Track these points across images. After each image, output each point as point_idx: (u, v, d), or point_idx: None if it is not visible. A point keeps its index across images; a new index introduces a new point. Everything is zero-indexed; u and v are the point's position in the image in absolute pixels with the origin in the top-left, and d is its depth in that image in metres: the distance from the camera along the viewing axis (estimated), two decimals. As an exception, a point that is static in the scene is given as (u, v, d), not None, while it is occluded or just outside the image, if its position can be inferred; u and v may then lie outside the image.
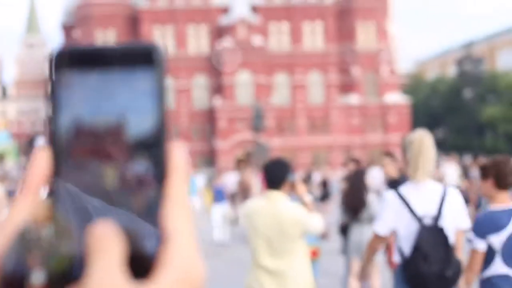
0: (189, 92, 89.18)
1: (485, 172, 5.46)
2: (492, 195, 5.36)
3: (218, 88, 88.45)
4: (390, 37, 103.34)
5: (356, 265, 8.78)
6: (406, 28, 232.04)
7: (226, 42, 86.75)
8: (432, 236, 5.06)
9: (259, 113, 76.97)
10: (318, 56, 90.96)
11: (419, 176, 5.31)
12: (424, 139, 5.36)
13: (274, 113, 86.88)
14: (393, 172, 9.91)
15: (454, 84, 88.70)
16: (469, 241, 5.31)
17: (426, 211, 5.21)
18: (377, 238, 5.59)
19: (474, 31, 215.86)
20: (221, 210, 20.87)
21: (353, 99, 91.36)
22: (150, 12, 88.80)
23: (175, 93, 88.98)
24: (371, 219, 8.75)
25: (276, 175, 5.94)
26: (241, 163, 29.88)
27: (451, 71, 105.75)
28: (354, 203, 9.44)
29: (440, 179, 36.70)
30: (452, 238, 5.13)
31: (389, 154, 10.51)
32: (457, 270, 5.06)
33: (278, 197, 5.91)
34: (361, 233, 9.08)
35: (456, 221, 5.23)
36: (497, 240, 5.13)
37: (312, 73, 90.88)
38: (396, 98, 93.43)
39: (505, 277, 5.12)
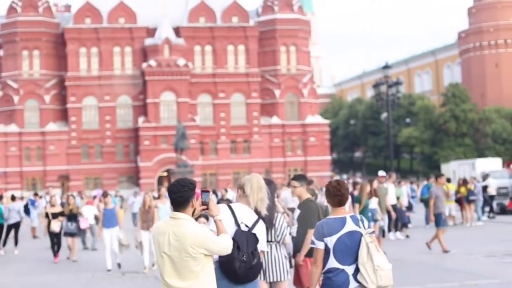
0: (114, 112, 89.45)
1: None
2: (332, 209, 7.14)
3: (142, 108, 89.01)
4: (312, 60, 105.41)
5: (264, 286, 8.54)
6: (328, 51, 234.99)
7: (151, 63, 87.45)
8: (245, 236, 6.97)
9: (182, 133, 78.00)
10: (241, 78, 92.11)
11: (252, 203, 7.45)
12: (260, 179, 7.70)
13: (197, 133, 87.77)
14: (304, 195, 9.81)
15: (372, 106, 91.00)
16: (312, 242, 7.06)
17: (246, 222, 7.14)
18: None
19: (393, 54, 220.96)
20: (114, 234, 18.84)
21: (275, 120, 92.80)
22: (75, 32, 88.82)
23: (99, 112, 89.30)
24: (279, 240, 8.77)
25: (179, 196, 5.98)
26: (164, 182, 30.08)
27: (370, 93, 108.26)
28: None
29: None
30: (262, 241, 7.23)
31: (298, 177, 10.21)
32: (259, 261, 6.98)
33: (182, 217, 5.95)
34: (268, 254, 8.66)
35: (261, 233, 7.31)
36: (330, 241, 6.84)
37: (234, 95, 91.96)
38: (316, 120, 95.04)
39: (336, 270, 6.76)
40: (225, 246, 6.08)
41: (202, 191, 6.29)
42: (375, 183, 19.69)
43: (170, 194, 6.02)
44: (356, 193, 18.84)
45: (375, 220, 19.10)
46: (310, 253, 9.60)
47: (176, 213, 5.99)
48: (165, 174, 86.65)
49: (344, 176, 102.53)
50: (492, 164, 65.78)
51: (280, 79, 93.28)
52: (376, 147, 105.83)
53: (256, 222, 7.22)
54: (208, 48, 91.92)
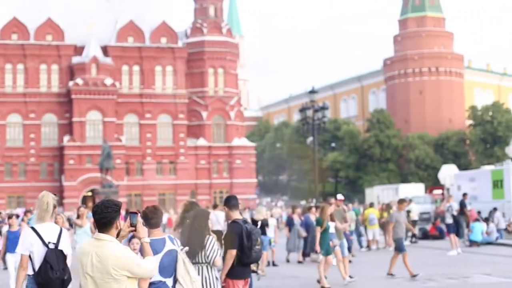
0: (38, 130, 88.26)
1: None
2: (149, 231, 7.81)
3: (67, 127, 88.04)
4: (239, 82, 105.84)
5: None
6: (255, 74, 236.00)
7: (78, 81, 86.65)
8: (54, 254, 8.24)
9: (108, 153, 77.37)
10: (168, 99, 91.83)
11: (46, 220, 8.58)
12: (49, 197, 8.64)
13: (122, 153, 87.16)
14: (237, 215, 9.98)
15: (298, 130, 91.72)
16: None
17: (50, 239, 8.35)
18: (24, 258, 8.37)
19: (320, 79, 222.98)
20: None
21: (201, 142, 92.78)
22: (1, 48, 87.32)
23: (24, 130, 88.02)
24: (209, 261, 8.97)
25: (102, 217, 5.98)
26: (88, 202, 29.84)
27: (296, 117, 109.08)
28: (193, 244, 9.03)
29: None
30: (68, 256, 8.47)
31: (228, 199, 10.33)
32: (69, 275, 8.29)
33: (105, 238, 5.96)
34: (200, 275, 8.81)
35: (67, 246, 8.53)
36: (157, 259, 7.50)
37: (161, 116, 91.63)
38: (243, 142, 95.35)
39: (159, 281, 7.67)
40: (149, 269, 6.06)
41: (131, 213, 6.30)
42: (333, 207, 19.64)
43: (94, 215, 6.02)
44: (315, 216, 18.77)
45: (334, 246, 18.93)
46: (234, 274, 9.74)
47: (100, 234, 5.98)
48: (89, 194, 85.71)
49: (268, 199, 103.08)
50: (415, 189, 67.02)
51: (208, 101, 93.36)
52: (302, 170, 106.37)
53: (59, 236, 8.45)
54: (136, 68, 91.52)
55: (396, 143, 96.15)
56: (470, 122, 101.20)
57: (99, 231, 6.02)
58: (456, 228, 29.67)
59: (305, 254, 26.46)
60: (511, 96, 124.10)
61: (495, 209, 36.57)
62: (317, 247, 17.84)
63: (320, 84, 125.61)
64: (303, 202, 76.05)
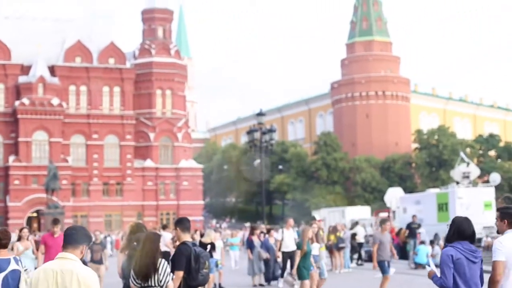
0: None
1: None
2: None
3: (13, 147, 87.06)
4: (187, 104, 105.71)
5: None
6: (203, 95, 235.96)
7: (24, 101, 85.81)
8: None
9: (54, 173, 76.56)
10: (115, 119, 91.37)
11: None
12: None
13: (69, 174, 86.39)
14: (187, 238, 9.96)
15: (246, 152, 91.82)
16: None
17: None
18: None
19: (268, 101, 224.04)
20: None
21: (148, 163, 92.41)
22: None
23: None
24: (162, 285, 8.90)
25: (72, 238, 6.15)
26: (33, 223, 29.58)
27: (244, 139, 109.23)
28: (145, 268, 8.92)
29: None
30: None
31: (179, 221, 10.29)
32: None
33: (70, 258, 6.08)
34: None
35: None
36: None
37: (108, 136, 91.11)
38: (190, 164, 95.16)
39: None
40: None
41: None
42: (315, 228, 19.23)
43: (65, 237, 6.19)
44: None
45: (318, 267, 18.62)
46: None
47: (65, 254, 6.09)
48: (35, 214, 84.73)
49: (214, 221, 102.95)
50: (361, 212, 67.37)
51: (155, 122, 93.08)
52: (249, 192, 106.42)
53: None
54: (83, 88, 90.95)
55: (343, 166, 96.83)
56: (416, 145, 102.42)
57: (63, 250, 6.20)
58: (402, 250, 29.79)
59: (268, 279, 26.08)
60: (456, 120, 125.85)
61: (436, 234, 37.08)
62: (294, 271, 17.40)
63: (268, 106, 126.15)
64: (247, 224, 75.98)
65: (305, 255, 17.34)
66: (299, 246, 17.55)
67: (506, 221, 8.11)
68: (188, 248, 9.73)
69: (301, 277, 17.41)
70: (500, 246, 7.84)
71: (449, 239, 8.12)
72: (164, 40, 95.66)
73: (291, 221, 22.46)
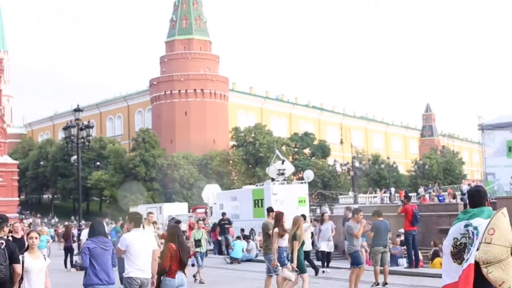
0: None
1: None
2: None
3: None
4: (3, 98, 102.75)
5: None
6: (20, 90, 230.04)
7: None
8: None
9: None
10: None
11: None
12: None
13: None
14: None
15: (63, 148, 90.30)
16: None
17: None
18: None
19: (86, 97, 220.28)
20: None
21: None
22: None
23: None
24: None
25: None
26: None
27: (61, 134, 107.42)
28: None
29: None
30: None
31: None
32: None
33: None
34: None
35: None
36: None
37: None
38: (5, 160, 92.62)
39: None
40: None
41: None
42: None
43: None
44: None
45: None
46: None
47: None
48: None
49: (30, 220, 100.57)
50: (179, 208, 67.88)
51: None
52: (66, 189, 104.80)
53: None
54: None
55: (161, 163, 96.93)
56: (234, 143, 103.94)
57: None
58: (219, 246, 30.26)
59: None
60: (273, 118, 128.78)
61: (252, 230, 37.92)
62: (295, 264, 15.77)
63: (86, 102, 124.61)
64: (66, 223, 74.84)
65: (301, 248, 16.26)
66: (295, 237, 15.85)
67: None
68: None
69: (301, 270, 16.20)
70: None
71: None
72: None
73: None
